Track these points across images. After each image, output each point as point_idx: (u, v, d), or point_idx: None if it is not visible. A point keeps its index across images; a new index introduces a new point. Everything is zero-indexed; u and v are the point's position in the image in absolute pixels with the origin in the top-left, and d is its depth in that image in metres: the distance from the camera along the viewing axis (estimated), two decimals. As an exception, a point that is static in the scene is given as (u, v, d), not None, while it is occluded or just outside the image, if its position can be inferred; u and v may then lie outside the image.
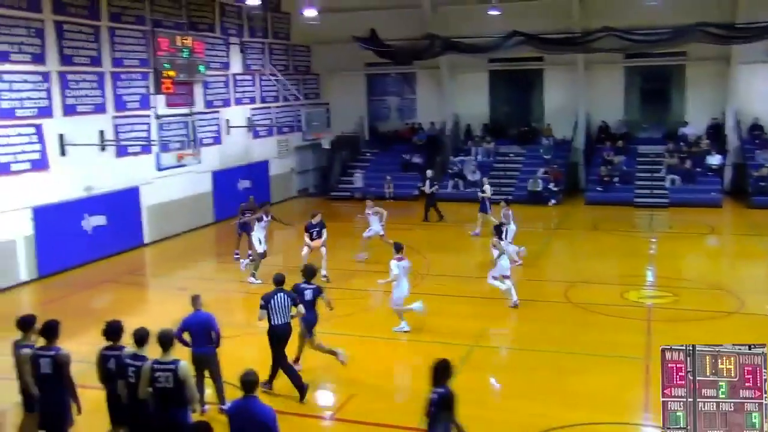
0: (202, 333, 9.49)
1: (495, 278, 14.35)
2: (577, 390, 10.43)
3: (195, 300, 9.74)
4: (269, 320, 10.03)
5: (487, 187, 21.10)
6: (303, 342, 10.99)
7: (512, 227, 16.98)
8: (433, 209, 23.21)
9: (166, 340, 7.66)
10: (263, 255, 16.56)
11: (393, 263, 12.74)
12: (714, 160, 26.14)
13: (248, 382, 6.74)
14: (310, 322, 10.80)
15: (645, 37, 24.33)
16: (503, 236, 15.10)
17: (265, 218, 16.81)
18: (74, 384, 8.02)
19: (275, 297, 10.06)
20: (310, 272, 10.95)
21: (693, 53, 27.29)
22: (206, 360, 9.51)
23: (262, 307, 10.06)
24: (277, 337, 10.08)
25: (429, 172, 24.15)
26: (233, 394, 9.60)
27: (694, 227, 22.00)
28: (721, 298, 14.65)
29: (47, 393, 7.91)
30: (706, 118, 27.94)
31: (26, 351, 8.06)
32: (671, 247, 19.59)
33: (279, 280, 10.26)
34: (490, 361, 11.77)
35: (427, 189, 23.41)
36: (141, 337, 7.77)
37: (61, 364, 7.79)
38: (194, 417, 7.80)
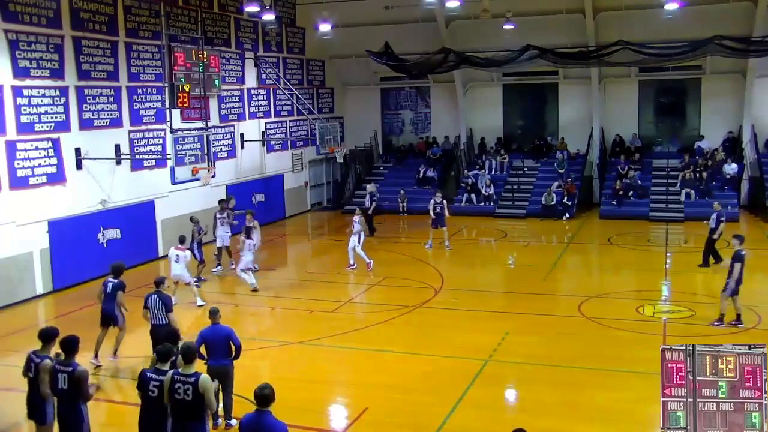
0: (220, 346, 9.51)
1: (243, 271, 16.58)
2: (591, 405, 10.35)
3: (213, 313, 9.77)
4: (151, 319, 11.07)
5: (445, 202, 21.45)
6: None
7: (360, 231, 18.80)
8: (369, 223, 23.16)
9: (189, 353, 7.65)
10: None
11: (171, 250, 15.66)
12: (730, 169, 25.94)
13: (262, 396, 6.67)
14: (106, 312, 12.19)
15: (660, 50, 24.24)
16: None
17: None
18: (90, 396, 8.02)
19: (150, 297, 11.14)
20: (116, 270, 12.24)
21: (709, 67, 27.21)
22: (224, 373, 9.50)
23: (144, 306, 11.17)
24: (156, 336, 10.54)
25: (369, 187, 24.19)
26: (243, 408, 9.60)
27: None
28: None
29: (63, 408, 7.92)
30: (722, 132, 27.78)
31: (47, 362, 8.09)
32: (687, 262, 19.40)
33: (158, 282, 11.36)
34: (504, 376, 11.69)
35: (367, 204, 23.36)
36: (164, 353, 7.80)
37: (79, 380, 7.80)
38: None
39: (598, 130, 28.87)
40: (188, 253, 15.78)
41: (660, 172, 27.30)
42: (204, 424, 7.53)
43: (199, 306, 15.54)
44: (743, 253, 13.71)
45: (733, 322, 13.67)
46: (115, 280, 12.20)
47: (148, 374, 7.67)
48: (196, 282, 16.50)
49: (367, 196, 23.66)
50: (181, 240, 16.07)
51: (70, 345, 7.97)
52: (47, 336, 8.32)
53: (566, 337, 13.38)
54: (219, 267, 19.05)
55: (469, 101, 30.77)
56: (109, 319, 12.28)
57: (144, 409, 7.72)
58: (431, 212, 21.06)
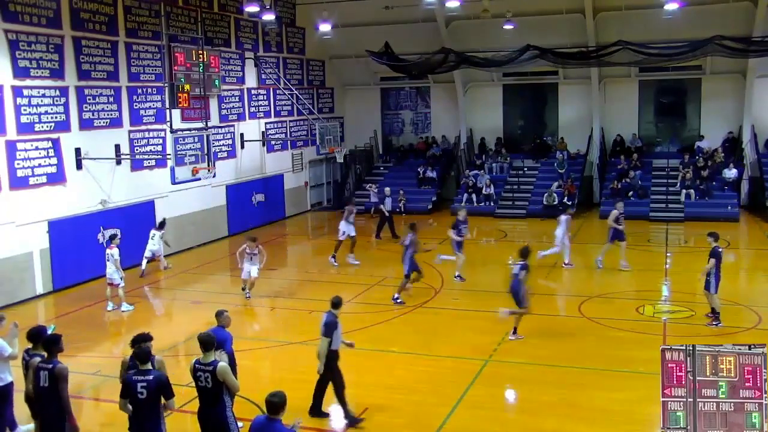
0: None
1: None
2: (591, 405, 10.35)
3: (218, 315, 9.74)
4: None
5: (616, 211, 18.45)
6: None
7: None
8: (388, 225, 22.90)
9: (207, 342, 7.85)
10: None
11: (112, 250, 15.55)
12: (730, 173, 25.96)
13: (273, 403, 6.69)
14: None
15: (660, 50, 24.25)
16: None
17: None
18: (68, 401, 7.94)
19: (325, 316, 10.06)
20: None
21: (709, 67, 27.22)
22: None
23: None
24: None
25: (387, 190, 23.99)
26: (244, 409, 9.60)
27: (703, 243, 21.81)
28: (739, 313, 14.49)
29: (45, 406, 7.93)
30: (722, 132, 27.79)
31: (36, 360, 8.13)
32: (687, 262, 19.41)
33: (335, 303, 10.18)
34: (504, 376, 11.68)
35: (387, 207, 23.12)
36: (144, 353, 7.76)
37: (57, 378, 7.78)
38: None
39: (598, 130, 28.87)
40: (116, 251, 15.57)
41: (660, 172, 27.30)
42: (224, 409, 7.75)
43: (125, 311, 15.54)
44: (720, 249, 13.88)
45: (709, 315, 13.88)
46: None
47: (133, 377, 7.67)
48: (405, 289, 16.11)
49: (388, 199, 23.32)
50: (111, 238, 16.06)
51: (53, 344, 7.99)
52: (35, 335, 8.38)
53: (566, 337, 13.38)
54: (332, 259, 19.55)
55: (469, 101, 30.76)
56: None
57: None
58: (613, 223, 18.33)
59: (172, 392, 7.63)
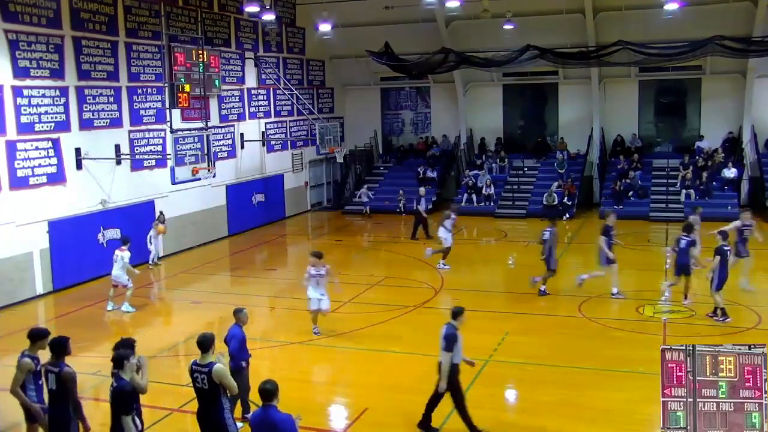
0: (229, 347, 9.65)
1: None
2: (591, 405, 10.35)
3: (234, 312, 9.79)
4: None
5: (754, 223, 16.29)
6: None
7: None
8: (422, 228, 22.64)
9: (203, 343, 7.83)
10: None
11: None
12: (729, 173, 25.97)
13: (264, 390, 6.77)
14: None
15: (660, 50, 24.26)
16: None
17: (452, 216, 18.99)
18: (79, 402, 7.97)
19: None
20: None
21: (709, 67, 27.22)
22: (233, 373, 9.51)
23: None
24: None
25: (422, 190, 23.98)
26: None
27: (711, 241, 21.69)
28: (738, 313, 14.49)
29: (53, 409, 7.91)
30: (722, 132, 27.80)
31: (26, 360, 8.06)
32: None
33: (455, 313, 9.46)
34: (504, 376, 11.69)
35: (422, 207, 22.95)
36: (117, 358, 7.70)
37: (65, 381, 7.76)
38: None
39: (598, 130, 28.88)
40: (127, 254, 15.52)
41: (660, 172, 27.31)
42: (222, 410, 7.71)
43: (125, 312, 15.49)
44: (726, 248, 13.97)
45: (710, 314, 14.04)
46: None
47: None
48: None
49: (423, 200, 23.22)
50: (124, 241, 15.96)
51: (59, 346, 7.94)
52: (35, 336, 8.29)
53: (566, 337, 13.38)
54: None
55: (469, 101, 30.76)
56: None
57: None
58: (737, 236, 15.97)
59: (126, 409, 7.41)
